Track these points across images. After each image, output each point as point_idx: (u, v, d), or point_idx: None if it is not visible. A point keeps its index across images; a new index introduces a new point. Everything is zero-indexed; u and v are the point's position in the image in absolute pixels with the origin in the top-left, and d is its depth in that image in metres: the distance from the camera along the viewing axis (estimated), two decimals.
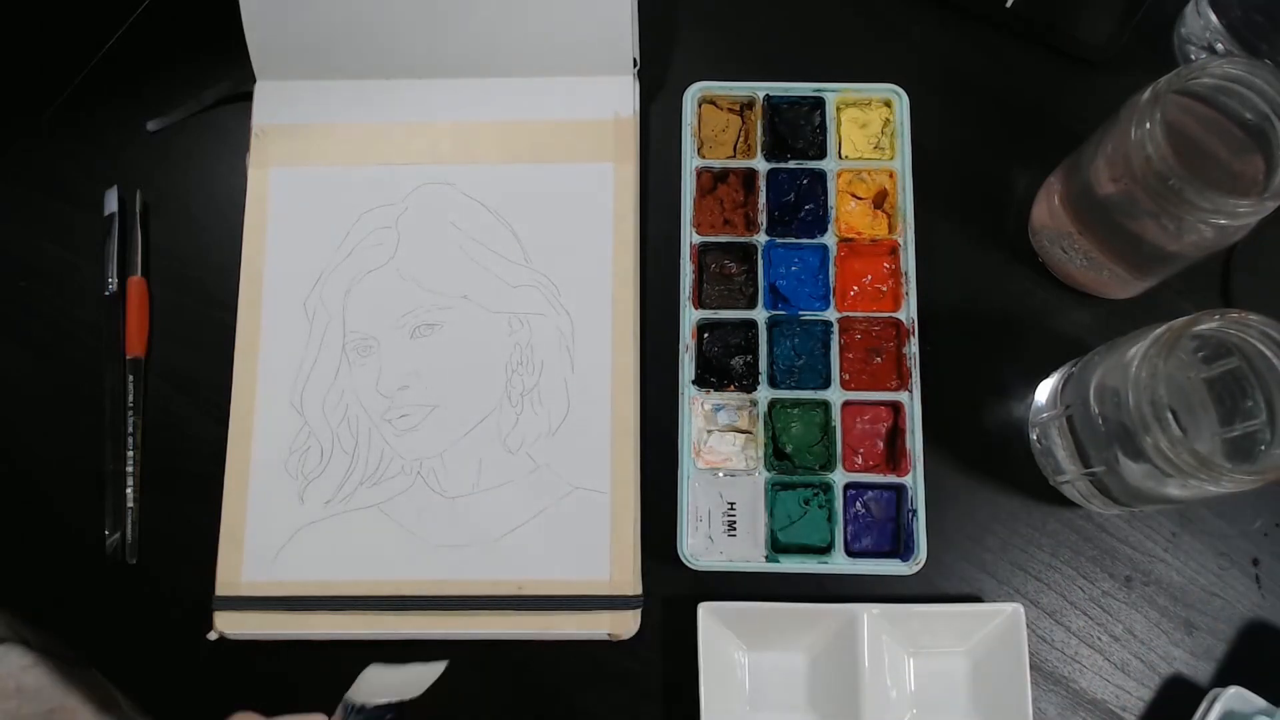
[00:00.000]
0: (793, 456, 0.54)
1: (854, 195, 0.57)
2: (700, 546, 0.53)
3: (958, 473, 0.55)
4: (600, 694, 0.52)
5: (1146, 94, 0.45)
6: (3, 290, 0.59)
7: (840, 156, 0.58)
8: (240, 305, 0.56)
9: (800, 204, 0.57)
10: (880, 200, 0.57)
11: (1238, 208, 0.43)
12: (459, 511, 0.53)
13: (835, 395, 0.54)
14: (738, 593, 0.52)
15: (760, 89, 0.59)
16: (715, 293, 0.56)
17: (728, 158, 0.58)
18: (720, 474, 0.53)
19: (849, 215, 0.57)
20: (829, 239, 0.56)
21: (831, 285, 0.56)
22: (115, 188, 0.59)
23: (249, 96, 0.59)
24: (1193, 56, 0.57)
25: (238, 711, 0.45)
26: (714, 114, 0.59)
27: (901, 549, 0.52)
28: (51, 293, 0.59)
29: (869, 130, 0.58)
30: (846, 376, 0.54)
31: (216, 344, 0.56)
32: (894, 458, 0.54)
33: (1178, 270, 0.51)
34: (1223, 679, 0.51)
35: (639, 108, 0.58)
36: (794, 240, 0.56)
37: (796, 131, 0.58)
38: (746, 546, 0.53)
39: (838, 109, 0.58)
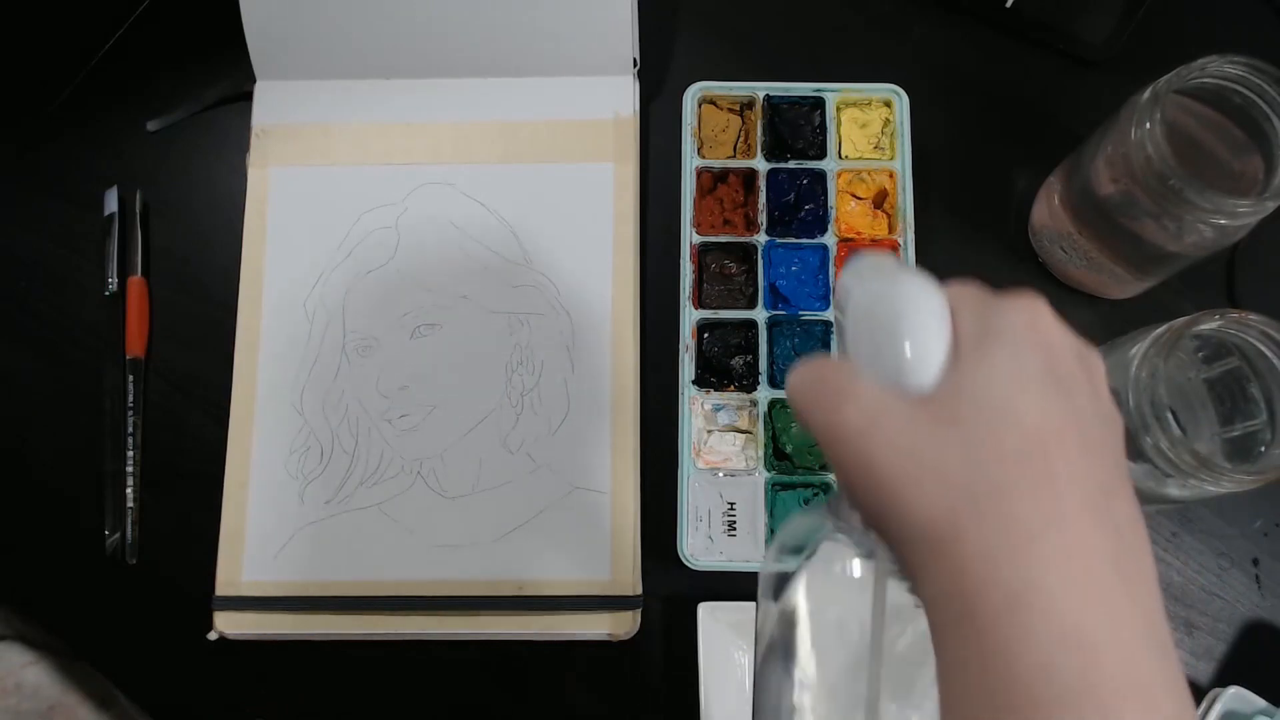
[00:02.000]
0: (793, 456, 0.54)
1: (854, 195, 0.57)
2: (700, 546, 0.53)
3: None
4: (600, 694, 0.52)
5: (1146, 94, 0.45)
6: (3, 290, 0.59)
7: (840, 156, 0.58)
8: (240, 305, 0.56)
9: (800, 204, 0.57)
10: (880, 200, 0.57)
11: (1238, 208, 0.43)
12: (459, 511, 0.53)
13: None
14: (738, 593, 0.51)
15: (760, 89, 0.59)
16: (715, 293, 0.56)
17: (728, 158, 0.58)
18: (720, 474, 0.53)
19: (849, 215, 0.57)
20: (829, 239, 0.56)
21: (832, 285, 0.56)
22: (115, 188, 0.59)
23: (249, 96, 0.59)
24: None
25: None
26: (714, 114, 0.59)
27: None
28: (51, 293, 0.59)
29: (869, 130, 0.58)
30: None
31: (216, 344, 0.56)
32: None
33: (1178, 270, 0.51)
34: (1223, 679, 0.51)
35: (639, 108, 0.58)
36: (794, 240, 0.56)
37: (796, 131, 0.58)
38: (746, 546, 0.53)
39: (838, 109, 0.58)
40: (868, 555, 0.30)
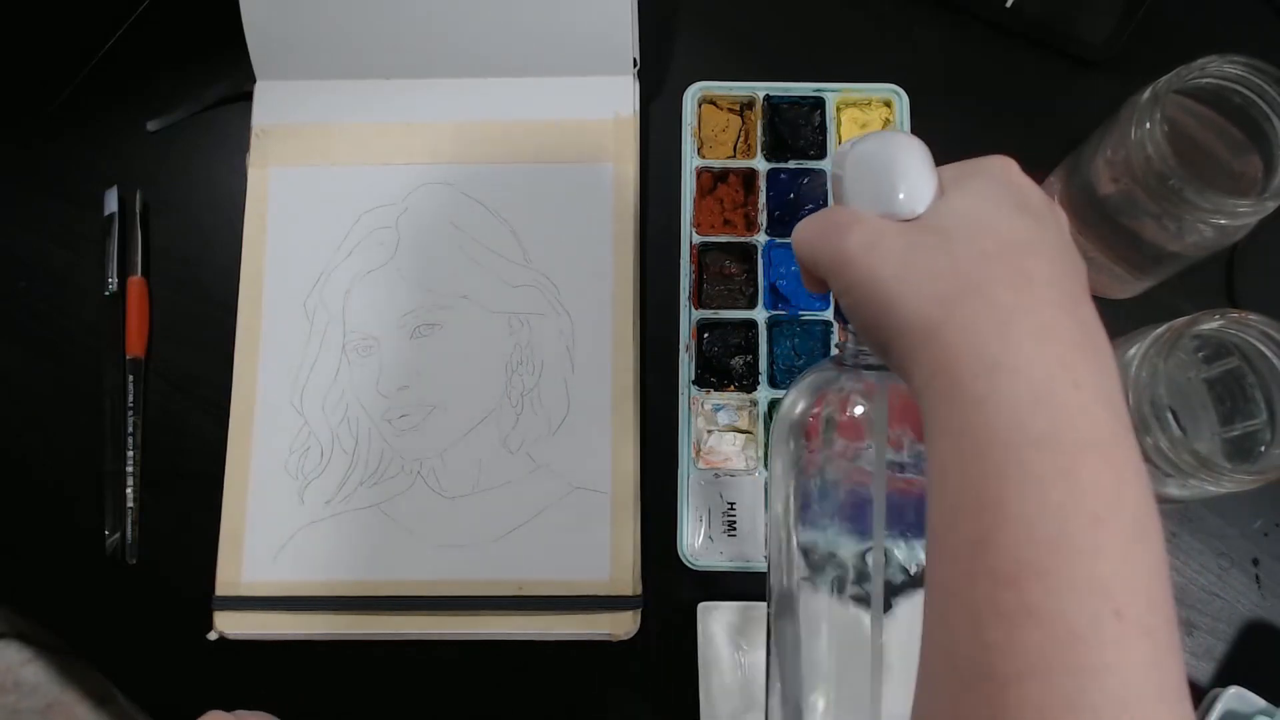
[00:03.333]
0: None
1: None
2: (700, 546, 0.53)
3: None
4: (600, 694, 0.52)
5: (1146, 94, 0.45)
6: (3, 290, 0.59)
7: None
8: (240, 305, 0.56)
9: (800, 204, 0.57)
10: None
11: (1238, 208, 0.43)
12: (459, 511, 0.53)
13: None
14: (738, 593, 0.52)
15: (760, 89, 0.59)
16: (715, 293, 0.57)
17: (728, 158, 0.58)
18: (720, 474, 0.53)
19: None
20: None
21: None
22: (115, 188, 0.59)
23: (249, 96, 0.59)
24: None
25: (210, 711, 0.45)
26: (714, 114, 0.59)
27: None
28: (51, 293, 0.59)
29: (869, 130, 0.58)
30: None
31: (216, 344, 0.56)
32: None
33: (1178, 270, 0.51)
34: (1223, 679, 0.51)
35: (639, 108, 0.58)
36: None
37: (796, 131, 0.58)
38: (746, 546, 0.53)
39: (838, 109, 0.58)
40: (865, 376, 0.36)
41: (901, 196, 0.31)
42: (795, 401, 0.38)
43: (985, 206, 0.30)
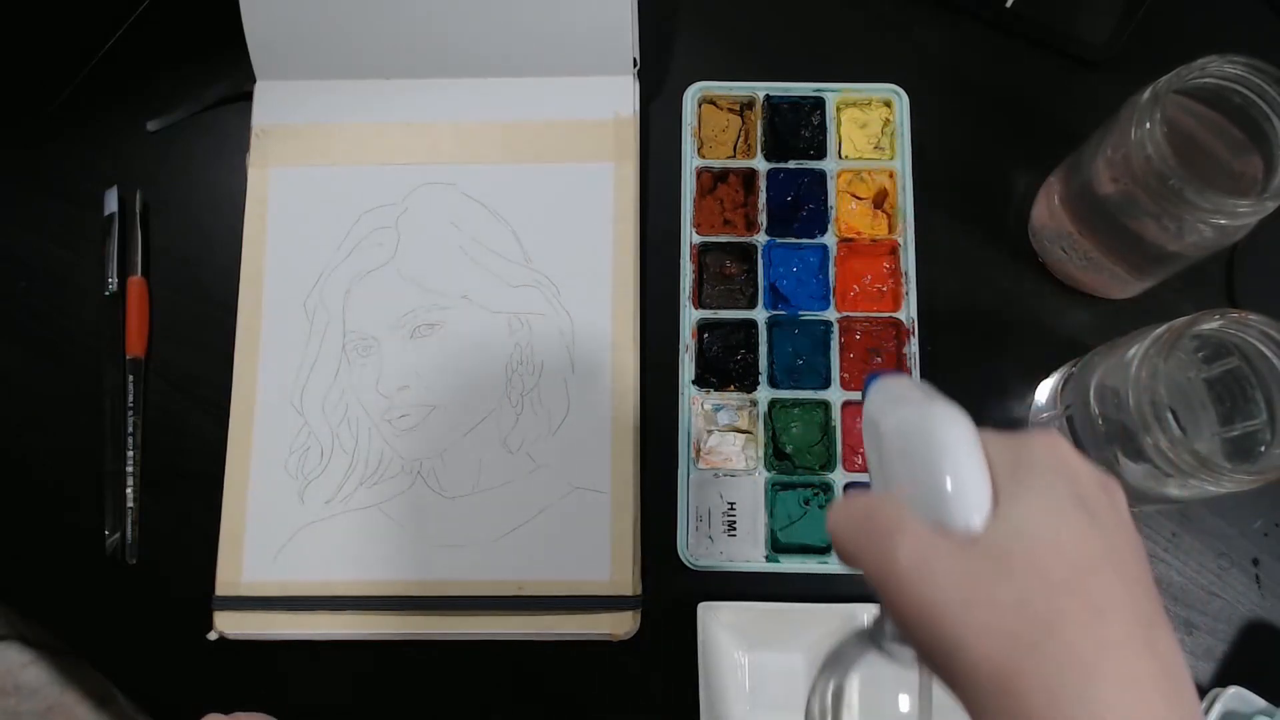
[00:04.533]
0: (793, 456, 0.54)
1: (854, 195, 0.57)
2: (700, 546, 0.53)
3: None
4: (600, 694, 0.52)
5: (1146, 94, 0.45)
6: (3, 290, 0.59)
7: (840, 156, 0.58)
8: (240, 305, 0.56)
9: (800, 204, 0.57)
10: (880, 200, 0.57)
11: (1238, 208, 0.43)
12: (459, 511, 0.53)
13: (835, 395, 0.54)
14: (738, 593, 0.51)
15: (760, 89, 0.59)
16: (715, 293, 0.57)
17: (728, 158, 0.58)
18: (720, 474, 0.53)
19: (849, 215, 0.57)
20: (829, 239, 0.56)
21: (831, 285, 0.56)
22: (115, 188, 0.59)
23: (249, 96, 0.59)
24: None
25: (208, 714, 0.45)
26: (714, 114, 0.59)
27: None
28: (51, 293, 0.59)
29: (869, 130, 0.58)
30: (846, 376, 0.54)
31: (216, 344, 0.56)
32: None
33: (1178, 270, 0.51)
34: (1223, 679, 0.51)
35: (639, 108, 0.58)
36: (794, 240, 0.56)
37: (796, 131, 0.58)
38: (746, 546, 0.53)
39: (838, 109, 0.58)
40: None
41: (955, 510, 0.27)
42: (821, 678, 0.33)
43: (1046, 518, 0.27)
